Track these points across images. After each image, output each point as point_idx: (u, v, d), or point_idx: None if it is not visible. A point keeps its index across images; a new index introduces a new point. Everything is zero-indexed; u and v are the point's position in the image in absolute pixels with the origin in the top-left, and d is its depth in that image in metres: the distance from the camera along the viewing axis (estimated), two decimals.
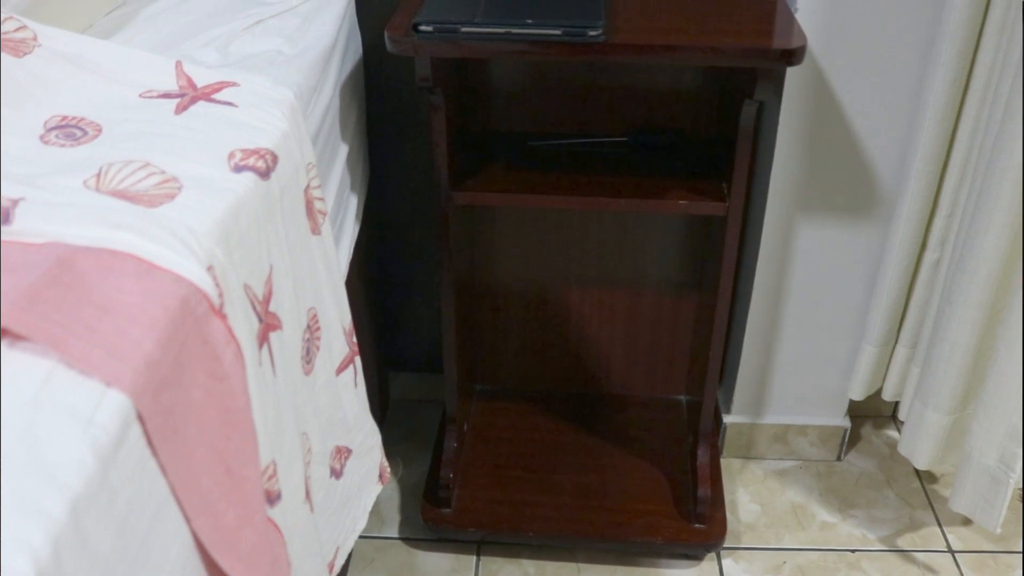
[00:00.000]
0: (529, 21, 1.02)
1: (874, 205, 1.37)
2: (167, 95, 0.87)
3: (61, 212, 0.67)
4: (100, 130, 0.80)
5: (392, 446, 1.63)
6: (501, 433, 1.57)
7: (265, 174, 0.80)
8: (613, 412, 1.62)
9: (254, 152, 0.81)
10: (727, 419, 1.59)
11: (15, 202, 0.67)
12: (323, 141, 1.06)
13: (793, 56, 1.03)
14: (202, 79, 0.89)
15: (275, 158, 0.83)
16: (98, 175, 0.73)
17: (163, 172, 0.75)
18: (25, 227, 0.65)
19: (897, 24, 1.23)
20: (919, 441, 1.37)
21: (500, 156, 1.33)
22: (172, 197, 0.72)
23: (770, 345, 1.51)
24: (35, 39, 0.86)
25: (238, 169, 0.78)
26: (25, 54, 0.85)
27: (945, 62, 1.22)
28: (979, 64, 1.22)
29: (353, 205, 1.23)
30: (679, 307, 1.56)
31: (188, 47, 0.98)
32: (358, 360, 1.05)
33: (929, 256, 1.38)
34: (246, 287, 0.75)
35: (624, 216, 1.47)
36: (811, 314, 1.47)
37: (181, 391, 0.62)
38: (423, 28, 1.03)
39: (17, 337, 0.56)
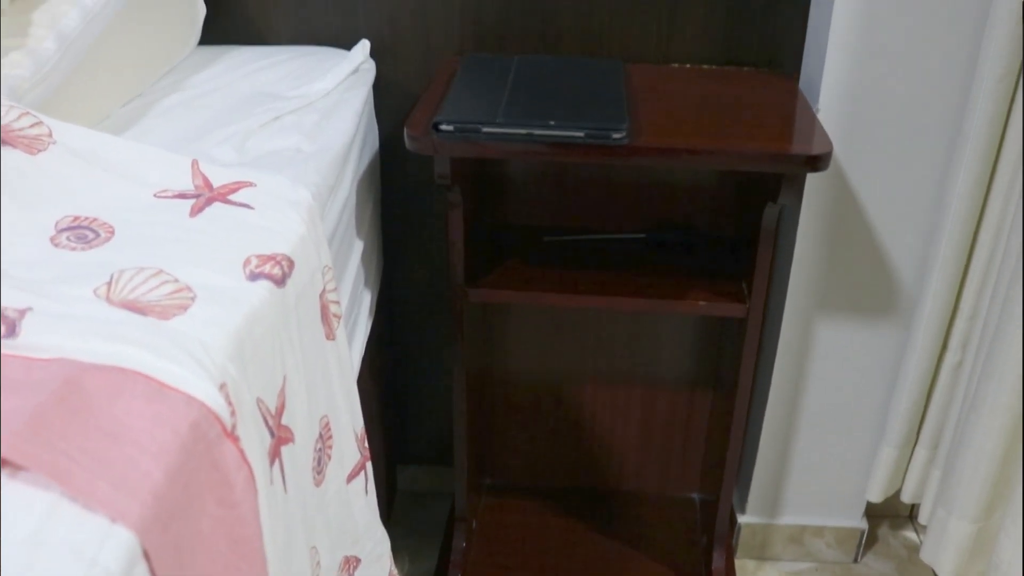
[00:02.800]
0: (552, 122, 1.01)
1: (895, 306, 1.35)
2: (182, 195, 0.85)
3: (69, 325, 0.64)
4: (112, 232, 0.78)
5: (398, 540, 1.57)
6: (511, 531, 1.53)
7: (281, 281, 0.78)
8: (625, 510, 1.58)
9: (270, 258, 0.78)
10: (741, 519, 1.54)
11: (22, 312, 0.65)
12: (339, 238, 1.04)
13: (818, 162, 1.02)
14: (219, 178, 0.87)
15: (291, 264, 0.81)
16: (109, 283, 0.70)
17: (176, 280, 0.72)
18: (32, 341, 0.63)
19: (919, 125, 1.22)
20: (943, 550, 1.33)
21: (515, 251, 1.31)
22: (185, 308, 0.69)
23: (787, 444, 1.47)
24: (50, 135, 0.85)
25: (253, 277, 0.76)
26: (39, 151, 0.83)
27: (967, 163, 1.21)
28: (1002, 163, 1.20)
29: (367, 301, 1.21)
30: (694, 403, 1.52)
31: (205, 144, 0.97)
32: (369, 466, 1.01)
33: (950, 358, 1.35)
34: (259, 401, 0.73)
35: (640, 313, 1.44)
36: (829, 413, 1.44)
37: (190, 522, 0.58)
38: (444, 127, 1.02)
39: (18, 467, 0.53)
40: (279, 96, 1.10)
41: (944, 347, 1.35)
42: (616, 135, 1.00)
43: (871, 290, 1.33)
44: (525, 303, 1.42)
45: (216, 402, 0.63)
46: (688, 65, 1.31)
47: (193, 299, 0.71)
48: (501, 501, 1.59)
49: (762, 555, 1.56)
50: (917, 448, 1.44)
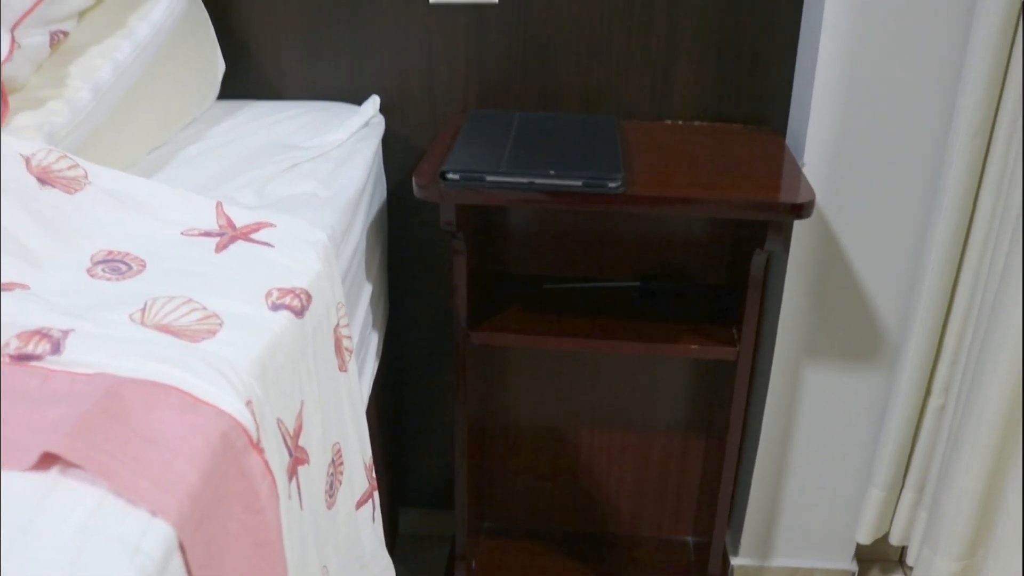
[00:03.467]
0: (551, 172, 1.08)
1: (879, 351, 1.40)
2: (208, 233, 0.91)
3: (109, 345, 0.70)
4: (144, 265, 0.84)
5: None
6: (509, 573, 1.56)
7: (300, 313, 0.84)
8: (621, 553, 1.62)
9: (290, 291, 0.84)
10: (734, 561, 1.58)
11: (66, 333, 0.70)
12: (350, 281, 1.10)
13: (802, 210, 1.08)
14: (241, 219, 0.94)
15: (309, 297, 0.86)
16: (143, 309, 0.76)
17: (204, 308, 0.78)
18: (75, 358, 0.68)
19: (899, 178, 1.29)
20: None
21: (516, 297, 1.37)
22: (213, 333, 0.75)
23: (778, 487, 1.52)
24: (86, 176, 0.91)
25: (275, 308, 0.82)
26: (76, 191, 0.89)
27: (945, 214, 1.27)
28: (979, 214, 1.27)
29: (374, 343, 1.26)
30: (687, 448, 1.57)
31: (227, 188, 1.03)
32: (376, 496, 1.06)
33: (934, 402, 1.40)
34: (279, 421, 0.78)
35: (635, 359, 1.50)
36: (818, 457, 1.49)
37: (219, 522, 0.63)
38: (450, 176, 1.08)
39: (68, 464, 0.58)
40: (296, 146, 1.17)
41: (928, 391, 1.40)
42: (612, 184, 1.07)
43: (856, 335, 1.39)
44: (525, 347, 1.48)
45: (244, 416, 0.68)
46: (681, 122, 1.38)
47: (221, 325, 0.76)
48: (500, 543, 1.63)
49: None
50: (904, 491, 1.48)
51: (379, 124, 1.32)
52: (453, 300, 1.25)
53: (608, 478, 1.61)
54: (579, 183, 1.07)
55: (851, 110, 1.25)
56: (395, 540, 1.69)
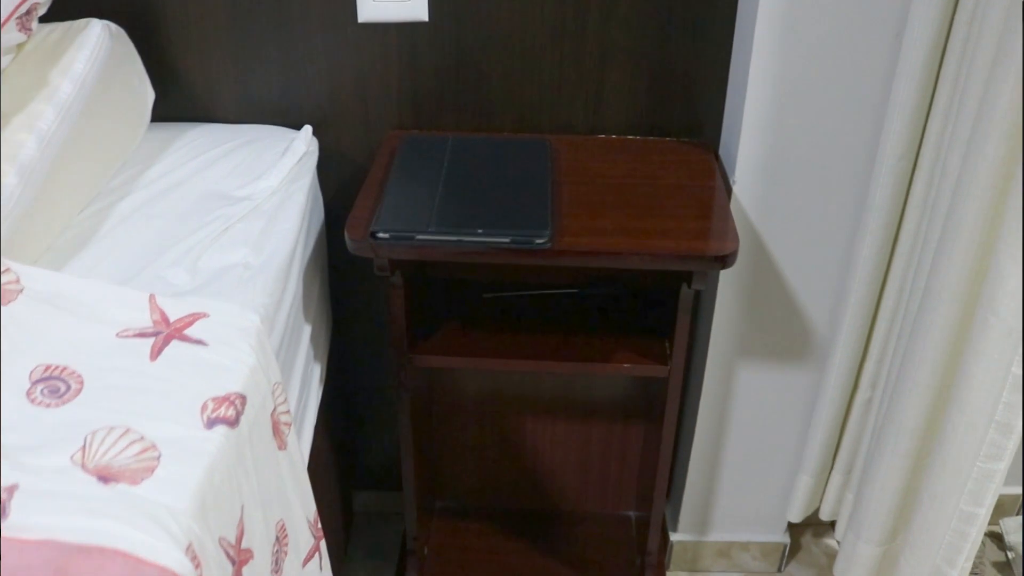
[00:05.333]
0: (479, 231, 1.10)
1: (809, 351, 1.46)
2: (142, 334, 0.93)
3: (53, 503, 0.73)
4: (82, 383, 0.87)
5: (356, 562, 1.70)
6: (461, 555, 1.65)
7: (235, 422, 0.87)
8: (567, 529, 1.70)
9: (224, 399, 0.87)
10: (674, 536, 1.68)
11: (11, 492, 0.74)
12: (287, 340, 1.12)
13: (726, 260, 1.12)
14: (174, 311, 0.96)
15: (244, 400, 0.90)
16: (84, 448, 0.79)
17: (142, 439, 0.81)
18: (21, 520, 0.72)
19: (828, 195, 1.32)
20: (852, 569, 1.46)
21: (456, 309, 1.41)
22: (151, 471, 0.79)
23: (713, 471, 1.60)
24: (18, 282, 0.93)
25: (210, 424, 0.85)
26: (10, 302, 0.91)
27: (873, 228, 1.31)
28: (904, 228, 1.31)
29: (317, 372, 1.30)
30: (628, 428, 1.64)
31: (159, 265, 1.05)
32: (323, 545, 1.12)
33: (861, 395, 1.47)
34: (220, 540, 0.82)
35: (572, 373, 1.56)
36: (751, 445, 1.56)
37: None
38: (380, 235, 1.10)
39: None
40: (227, 196, 1.18)
41: (855, 387, 1.47)
42: (539, 240, 1.10)
43: (787, 339, 1.45)
44: (465, 367, 1.52)
45: (184, 567, 0.73)
46: (614, 136, 1.39)
47: (158, 459, 0.80)
48: (452, 524, 1.71)
49: (693, 568, 1.70)
50: (833, 473, 1.57)
51: (313, 153, 1.32)
52: (391, 332, 1.28)
53: (554, 458, 1.68)
54: (507, 240, 1.10)
55: (782, 127, 1.27)
56: (351, 521, 1.76)
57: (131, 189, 1.19)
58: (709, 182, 1.28)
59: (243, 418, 0.89)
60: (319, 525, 1.12)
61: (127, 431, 0.82)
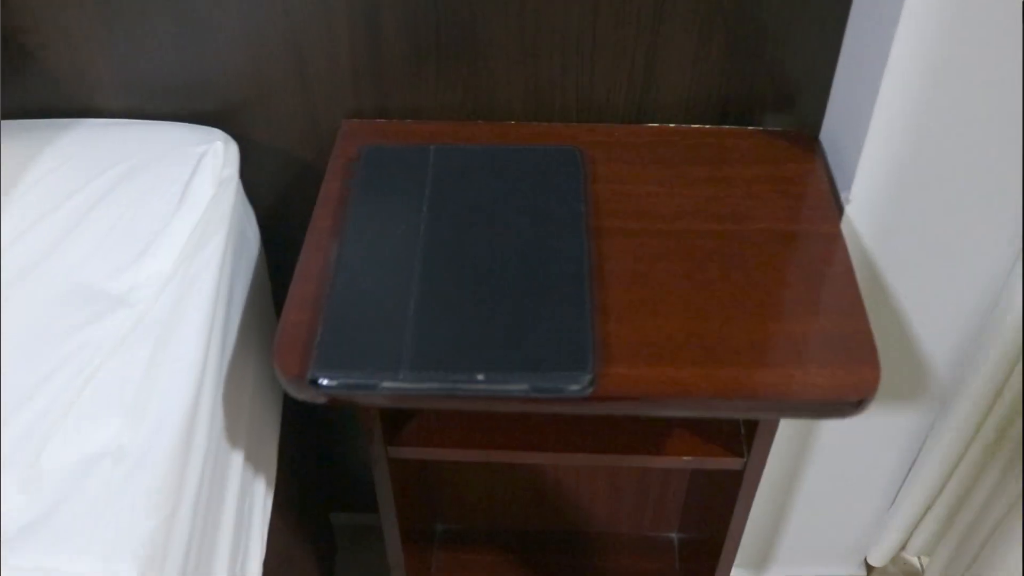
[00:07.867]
0: (480, 377, 0.70)
1: (922, 394, 1.10)
2: None
3: None
4: None
5: None
6: None
7: None
8: (595, 555, 1.39)
9: None
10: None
11: None
12: (198, 528, 0.75)
13: (863, 405, 0.73)
14: None
15: None
16: None
17: None
18: None
19: (973, 219, 0.92)
20: None
21: None
22: None
23: (785, 499, 1.27)
24: None
25: None
26: None
27: None
28: None
29: (260, 496, 0.94)
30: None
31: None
32: None
33: (983, 437, 1.13)
34: None
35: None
36: (835, 480, 1.23)
37: None
38: (323, 383, 0.71)
39: None
40: (96, 293, 0.77)
41: (977, 431, 1.13)
42: (574, 387, 0.71)
43: (895, 377, 1.08)
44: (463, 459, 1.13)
45: None
46: (671, 125, 0.96)
47: None
48: (455, 554, 1.39)
49: None
50: (929, 513, 1.25)
51: (229, 181, 0.89)
52: (361, 420, 0.91)
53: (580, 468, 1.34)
54: (525, 386, 0.71)
55: (930, 124, 0.84)
56: (334, 552, 1.46)
57: None
58: (820, 226, 0.86)
59: None
60: None
61: None
